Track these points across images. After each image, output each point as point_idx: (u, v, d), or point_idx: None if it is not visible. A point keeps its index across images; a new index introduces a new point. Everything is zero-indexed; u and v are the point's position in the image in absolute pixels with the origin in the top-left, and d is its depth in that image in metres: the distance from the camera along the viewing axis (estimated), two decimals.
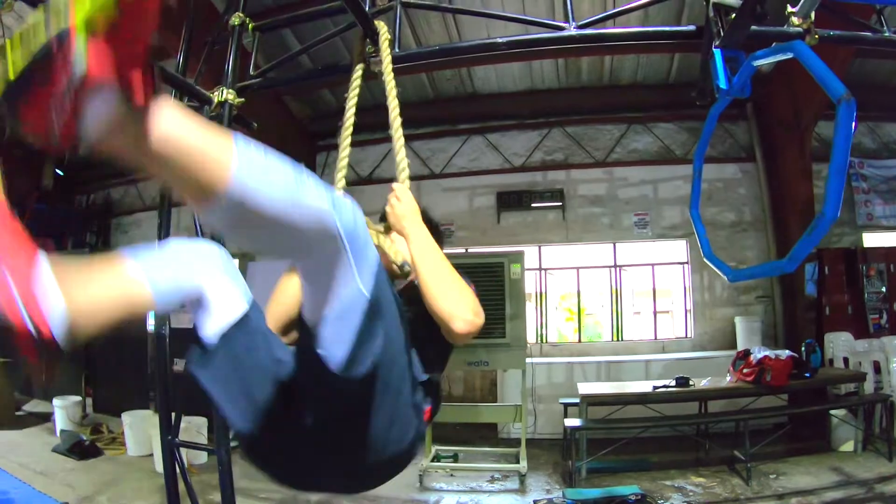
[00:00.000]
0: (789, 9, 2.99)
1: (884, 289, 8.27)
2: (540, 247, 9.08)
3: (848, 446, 6.55)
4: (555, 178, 9.08)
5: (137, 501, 5.46)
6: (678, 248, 8.97)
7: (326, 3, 3.58)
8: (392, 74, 2.46)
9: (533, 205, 8.96)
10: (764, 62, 2.67)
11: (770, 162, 8.54)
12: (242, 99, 3.61)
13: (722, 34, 2.79)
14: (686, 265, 8.87)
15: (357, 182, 9.22)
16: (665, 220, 8.87)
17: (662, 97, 8.78)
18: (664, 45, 5.49)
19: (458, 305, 1.58)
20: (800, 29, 2.93)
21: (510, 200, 9.02)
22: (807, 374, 6.30)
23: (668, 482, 5.76)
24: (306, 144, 9.81)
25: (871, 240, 8.93)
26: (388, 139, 2.19)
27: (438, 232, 1.91)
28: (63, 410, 7.85)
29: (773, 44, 2.71)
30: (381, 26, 2.78)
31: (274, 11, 5.75)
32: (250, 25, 3.78)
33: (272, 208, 1.03)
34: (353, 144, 2.40)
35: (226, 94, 3.54)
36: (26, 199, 11.88)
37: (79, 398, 8.37)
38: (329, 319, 1.21)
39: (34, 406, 9.00)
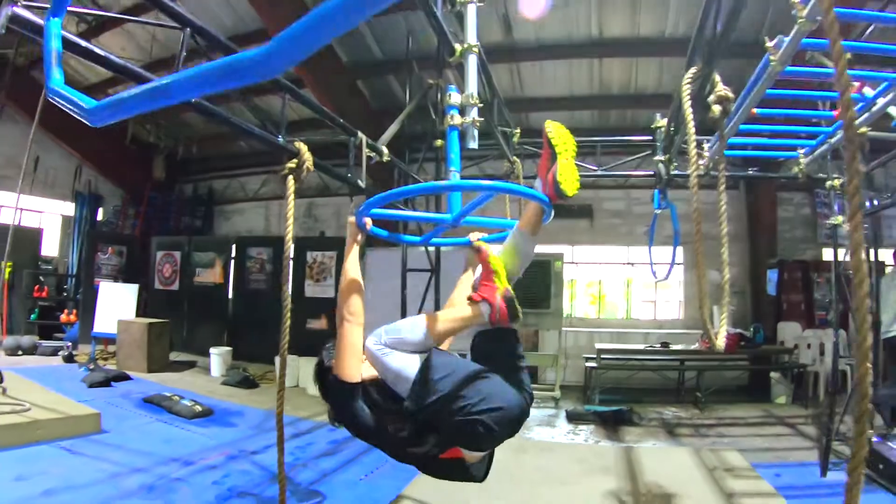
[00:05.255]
0: (700, 163, 5.87)
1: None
2: (573, 246, 12.01)
3: (781, 399, 9.51)
4: (586, 196, 11.99)
5: (309, 409, 7.98)
6: (677, 252, 11.79)
7: None
8: None
9: (569, 215, 11.88)
10: (665, 204, 5.67)
11: (749, 191, 11.40)
12: None
13: (660, 180, 5.75)
14: (682, 265, 11.74)
15: None
16: (667, 231, 11.68)
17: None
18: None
19: None
20: (699, 173, 5.76)
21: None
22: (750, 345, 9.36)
23: (651, 409, 8.81)
24: None
25: (829, 254, 11.57)
26: None
27: None
28: (219, 357, 10.60)
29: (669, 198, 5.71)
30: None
31: None
32: None
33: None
34: None
35: None
36: (142, 189, 15.05)
37: (229, 348, 11.04)
38: None
39: (174, 356, 11.32)
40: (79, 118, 1.44)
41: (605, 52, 9.68)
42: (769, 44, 3.19)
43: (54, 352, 11.14)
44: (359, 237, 2.69)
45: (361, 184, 4.34)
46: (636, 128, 11.92)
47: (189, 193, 15.81)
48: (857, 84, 4.44)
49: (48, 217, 13.98)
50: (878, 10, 4.37)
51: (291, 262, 11.84)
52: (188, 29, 2.74)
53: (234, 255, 12.56)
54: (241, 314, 12.25)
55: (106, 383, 9.06)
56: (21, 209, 11.51)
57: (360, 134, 4.34)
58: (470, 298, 2.39)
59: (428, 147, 6.58)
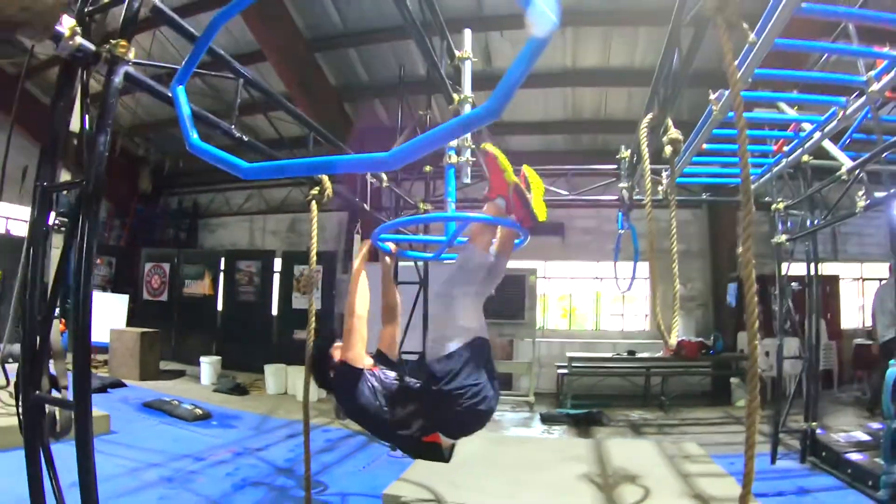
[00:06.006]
0: (659, 188, 6.53)
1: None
2: (546, 262, 12.71)
3: (741, 402, 10.19)
4: (558, 214, 12.68)
5: (300, 414, 8.81)
6: (643, 267, 12.53)
7: None
8: None
9: (542, 232, 12.56)
10: (626, 225, 6.34)
11: (710, 210, 12.22)
12: None
13: (623, 204, 6.41)
14: (647, 279, 12.47)
15: None
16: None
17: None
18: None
19: None
20: (657, 198, 6.44)
21: None
22: (711, 352, 10.13)
23: (619, 412, 9.49)
24: None
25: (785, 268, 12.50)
26: None
27: None
28: (210, 365, 10.98)
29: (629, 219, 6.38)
30: None
31: None
32: None
33: None
34: None
35: None
36: (128, 201, 15.39)
37: (219, 357, 11.40)
38: None
39: (163, 365, 11.47)
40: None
41: (577, 81, 10.46)
42: (712, 96, 3.88)
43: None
44: (367, 255, 3.28)
45: (367, 207, 4.95)
46: (606, 150, 12.69)
47: (174, 206, 16.08)
48: (792, 124, 5.25)
49: None
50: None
51: (277, 275, 12.49)
52: (241, 80, 3.33)
53: (222, 267, 13.06)
54: (229, 325, 12.73)
55: (102, 389, 9.40)
56: (8, 218, 11.92)
57: None
58: (486, 197, 2.70)
59: (418, 171, 7.23)
